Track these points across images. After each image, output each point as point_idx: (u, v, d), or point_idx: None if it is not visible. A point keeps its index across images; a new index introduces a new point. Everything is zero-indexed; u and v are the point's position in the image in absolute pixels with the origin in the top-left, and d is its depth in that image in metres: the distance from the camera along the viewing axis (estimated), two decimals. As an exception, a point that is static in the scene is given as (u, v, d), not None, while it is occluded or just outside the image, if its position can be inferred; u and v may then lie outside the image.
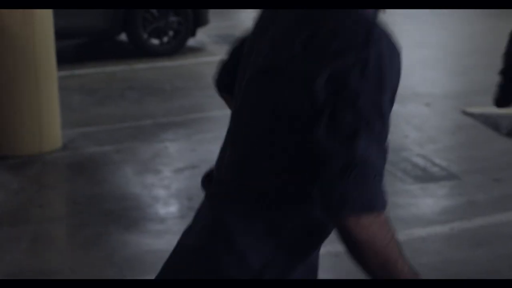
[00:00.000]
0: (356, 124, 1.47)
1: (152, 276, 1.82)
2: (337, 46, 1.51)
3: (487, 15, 10.61)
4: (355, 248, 1.50)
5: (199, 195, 1.83)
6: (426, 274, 2.08)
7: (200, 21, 8.80)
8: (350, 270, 2.01)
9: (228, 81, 1.90)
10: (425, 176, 5.16)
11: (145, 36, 8.63)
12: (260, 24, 1.75)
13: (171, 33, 8.73)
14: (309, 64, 1.52)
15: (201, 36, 9.27)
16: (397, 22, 10.21)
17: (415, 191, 4.94)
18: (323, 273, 2.00)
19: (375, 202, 1.49)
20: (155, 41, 8.71)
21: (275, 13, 1.69)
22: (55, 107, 5.70)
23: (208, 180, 1.80)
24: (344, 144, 1.47)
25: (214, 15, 9.24)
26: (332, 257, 3.70)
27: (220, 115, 5.85)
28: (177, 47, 8.76)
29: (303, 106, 1.53)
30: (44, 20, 5.49)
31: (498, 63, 3.64)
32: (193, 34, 8.83)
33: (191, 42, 8.99)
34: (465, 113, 6.49)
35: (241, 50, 1.82)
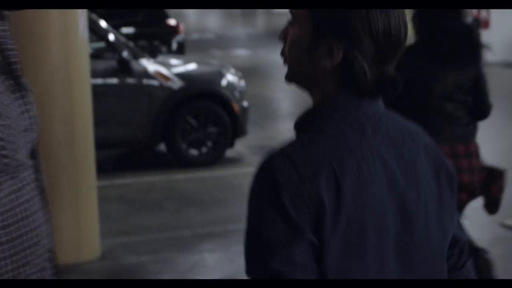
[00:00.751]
0: None
1: None
2: None
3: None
4: None
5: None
6: None
7: (239, 132, 8.92)
8: None
9: None
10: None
11: (184, 146, 8.74)
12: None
13: (210, 143, 8.84)
14: None
15: (240, 147, 9.38)
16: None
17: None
18: None
19: None
20: (194, 152, 8.81)
21: None
22: (94, 217, 5.76)
23: None
24: None
25: (252, 126, 9.36)
26: None
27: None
28: (216, 158, 8.85)
29: None
30: (85, 130, 5.61)
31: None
32: (231, 145, 8.93)
33: (229, 152, 9.09)
34: (504, 226, 6.43)
35: None
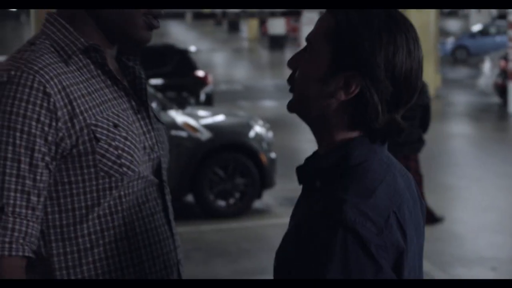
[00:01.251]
0: None
1: None
2: None
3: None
4: None
5: None
6: None
7: (266, 183, 8.92)
8: None
9: None
10: None
11: (211, 197, 8.76)
12: None
13: (237, 194, 8.85)
14: None
15: (267, 198, 9.37)
16: (462, 186, 10.21)
17: None
18: None
19: None
20: (221, 203, 8.82)
21: None
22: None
23: None
24: None
25: (280, 177, 9.37)
26: None
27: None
28: (243, 209, 8.85)
29: None
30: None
31: None
32: (259, 196, 8.93)
33: (257, 204, 9.09)
34: None
35: None
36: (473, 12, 42.63)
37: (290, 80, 1.72)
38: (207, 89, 14.80)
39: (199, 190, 8.73)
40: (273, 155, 8.99)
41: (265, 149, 8.93)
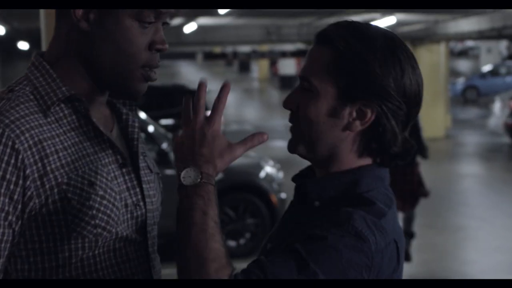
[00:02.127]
0: None
1: None
2: None
3: None
4: None
5: None
6: None
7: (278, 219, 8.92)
8: None
9: None
10: None
11: (222, 238, 8.75)
12: None
13: (248, 235, 8.85)
14: None
15: (277, 238, 9.36)
16: (472, 226, 10.18)
17: None
18: None
19: None
20: (232, 243, 8.82)
21: None
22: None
23: None
24: None
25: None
26: None
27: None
28: (253, 249, 8.84)
29: None
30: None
31: None
32: (269, 236, 8.93)
33: (267, 244, 9.07)
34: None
35: None
36: (483, 53, 42.75)
37: (293, 119, 1.67)
38: (218, 129, 14.84)
39: (209, 230, 8.72)
40: (283, 195, 9.00)
41: (276, 189, 8.95)
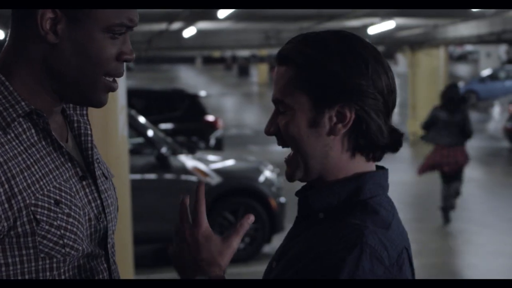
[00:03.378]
0: None
1: None
2: None
3: None
4: None
5: None
6: None
7: (276, 228, 8.92)
8: None
9: None
10: None
11: (221, 242, 8.75)
12: None
13: (247, 239, 8.85)
14: None
15: (277, 242, 9.35)
16: (472, 231, 10.17)
17: None
18: None
19: None
20: (231, 247, 8.80)
21: None
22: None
23: None
24: None
25: (289, 222, 9.35)
26: None
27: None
28: (252, 253, 8.84)
29: None
30: (123, 225, 5.67)
31: None
32: (268, 241, 8.93)
33: (266, 248, 9.07)
34: None
35: None
36: (482, 57, 42.77)
37: (280, 142, 1.67)
38: (217, 133, 14.86)
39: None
40: (282, 199, 9.00)
41: (275, 193, 8.95)
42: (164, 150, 8.59)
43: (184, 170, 8.64)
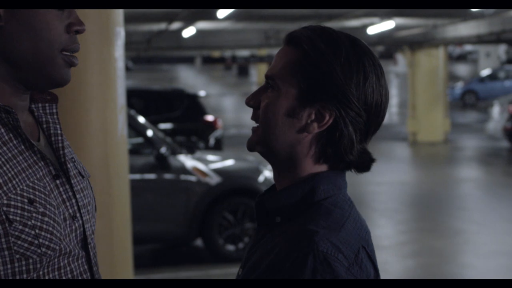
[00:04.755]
0: None
1: None
2: None
3: None
4: None
5: None
6: None
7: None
8: None
9: None
10: None
11: (221, 242, 8.76)
12: None
13: (246, 239, 8.85)
14: None
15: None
16: (471, 230, 10.18)
17: None
18: None
19: None
20: (230, 247, 8.81)
21: None
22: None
23: None
24: None
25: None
26: None
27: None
28: (252, 254, 8.84)
29: None
30: (123, 225, 5.67)
31: None
32: (268, 240, 8.93)
33: (266, 248, 9.07)
34: None
35: None
36: (482, 57, 42.78)
37: (254, 117, 1.65)
38: (217, 133, 14.86)
39: (208, 235, 8.73)
40: (282, 199, 8.99)
41: (274, 193, 8.95)
42: (163, 150, 8.59)
43: (184, 170, 8.64)
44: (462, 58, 55.35)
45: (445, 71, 20.86)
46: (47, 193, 1.66)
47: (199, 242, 9.11)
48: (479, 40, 18.11)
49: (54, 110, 1.80)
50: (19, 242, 1.60)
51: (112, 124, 5.52)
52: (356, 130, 1.59)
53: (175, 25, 17.10)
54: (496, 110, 18.69)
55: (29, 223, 1.61)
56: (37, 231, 1.61)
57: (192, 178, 8.63)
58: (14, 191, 1.60)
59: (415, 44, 20.04)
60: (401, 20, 16.74)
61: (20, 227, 1.60)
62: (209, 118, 14.94)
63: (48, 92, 1.80)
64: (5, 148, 1.63)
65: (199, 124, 14.72)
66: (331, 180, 1.62)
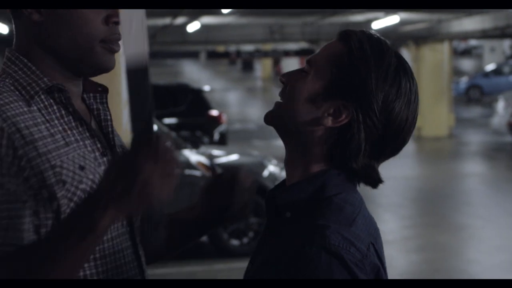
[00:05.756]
0: None
1: None
2: None
3: None
4: None
5: None
6: None
7: (280, 223, 8.93)
8: None
9: None
10: None
11: (225, 236, 8.77)
12: None
13: (251, 234, 8.85)
14: None
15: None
16: (476, 225, 10.18)
17: None
18: None
19: None
20: (235, 242, 8.82)
21: None
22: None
23: None
24: None
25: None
26: None
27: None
28: (256, 248, 8.85)
29: None
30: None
31: None
32: (272, 235, 8.94)
33: (270, 243, 9.08)
34: None
35: None
36: (486, 52, 42.72)
37: (282, 94, 1.66)
38: (221, 128, 14.87)
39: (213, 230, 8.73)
40: (286, 194, 8.99)
41: (279, 188, 8.95)
42: (168, 144, 8.59)
43: (188, 164, 8.65)
44: (466, 53, 55.28)
45: (450, 66, 20.84)
46: (96, 164, 1.73)
47: (203, 236, 9.11)
48: (484, 35, 18.10)
49: (105, 100, 1.88)
50: (71, 204, 1.65)
51: (116, 118, 5.52)
52: (367, 140, 1.58)
53: (180, 20, 17.11)
54: (500, 105, 18.67)
55: (80, 186, 1.67)
56: (87, 195, 1.66)
57: (197, 173, 8.64)
58: (66, 156, 1.67)
59: (420, 39, 20.02)
60: (405, 15, 16.73)
61: (73, 189, 1.66)
62: (214, 113, 14.95)
63: (99, 84, 1.87)
64: (56, 122, 1.71)
65: (203, 119, 14.74)
66: (342, 177, 1.61)
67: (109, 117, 1.86)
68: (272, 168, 9.10)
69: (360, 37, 1.62)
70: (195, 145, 9.33)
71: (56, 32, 1.73)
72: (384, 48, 1.61)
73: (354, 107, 1.57)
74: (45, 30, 1.73)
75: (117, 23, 1.76)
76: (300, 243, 1.53)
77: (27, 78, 1.72)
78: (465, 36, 20.60)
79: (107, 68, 1.79)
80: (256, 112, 27.84)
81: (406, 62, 1.64)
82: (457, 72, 36.69)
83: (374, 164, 1.61)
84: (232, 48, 31.36)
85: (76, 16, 1.72)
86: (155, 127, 8.84)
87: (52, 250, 1.54)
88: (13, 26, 1.78)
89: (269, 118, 1.67)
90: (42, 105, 1.71)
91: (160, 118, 12.29)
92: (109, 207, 1.51)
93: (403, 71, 1.61)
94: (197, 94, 15.13)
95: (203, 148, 9.37)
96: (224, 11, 14.12)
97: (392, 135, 1.60)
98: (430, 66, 20.18)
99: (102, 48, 1.75)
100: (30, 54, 1.75)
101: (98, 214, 1.51)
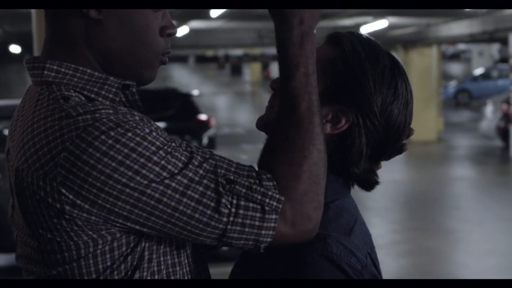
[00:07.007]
0: None
1: None
2: None
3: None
4: None
5: None
6: None
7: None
8: None
9: None
10: None
11: (214, 241, 8.74)
12: None
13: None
14: None
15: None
16: (464, 229, 10.19)
17: None
18: None
19: None
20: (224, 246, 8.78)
21: None
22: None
23: None
24: None
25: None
26: None
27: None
28: (245, 253, 8.84)
29: None
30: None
31: None
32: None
33: (259, 247, 9.07)
34: None
35: None
36: (475, 56, 42.87)
37: (271, 100, 1.61)
38: (210, 132, 14.85)
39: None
40: (275, 198, 8.99)
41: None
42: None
43: (177, 169, 8.62)
44: (455, 57, 55.44)
45: (438, 70, 20.90)
46: None
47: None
48: (472, 39, 18.15)
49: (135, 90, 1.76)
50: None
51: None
52: (369, 144, 1.56)
53: (168, 24, 17.09)
54: (489, 109, 18.73)
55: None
56: None
57: (186, 178, 8.61)
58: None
59: (408, 43, 20.07)
60: (394, 19, 16.77)
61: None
62: (202, 117, 14.93)
63: None
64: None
65: (192, 123, 14.72)
66: (339, 182, 1.59)
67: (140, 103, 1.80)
68: (261, 173, 9.09)
69: (351, 39, 1.59)
70: (183, 149, 9.30)
71: (113, 35, 1.55)
72: (376, 49, 1.59)
73: (353, 112, 1.54)
74: (102, 31, 1.54)
75: (170, 35, 1.62)
76: (300, 251, 1.50)
77: (93, 83, 1.56)
78: (454, 40, 20.67)
79: (150, 81, 1.66)
80: (244, 116, 27.84)
81: (398, 62, 1.62)
82: (445, 76, 36.79)
83: (373, 167, 1.60)
84: (221, 52, 31.38)
85: (139, 21, 1.56)
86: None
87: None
88: (50, 30, 1.59)
89: (261, 123, 1.62)
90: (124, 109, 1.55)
91: (148, 122, 12.27)
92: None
93: (398, 72, 1.59)
94: (186, 98, 15.10)
95: (191, 153, 9.33)
96: (213, 15, 14.11)
97: (393, 137, 1.59)
98: (418, 71, 20.23)
99: (159, 62, 1.61)
100: (74, 58, 1.56)
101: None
